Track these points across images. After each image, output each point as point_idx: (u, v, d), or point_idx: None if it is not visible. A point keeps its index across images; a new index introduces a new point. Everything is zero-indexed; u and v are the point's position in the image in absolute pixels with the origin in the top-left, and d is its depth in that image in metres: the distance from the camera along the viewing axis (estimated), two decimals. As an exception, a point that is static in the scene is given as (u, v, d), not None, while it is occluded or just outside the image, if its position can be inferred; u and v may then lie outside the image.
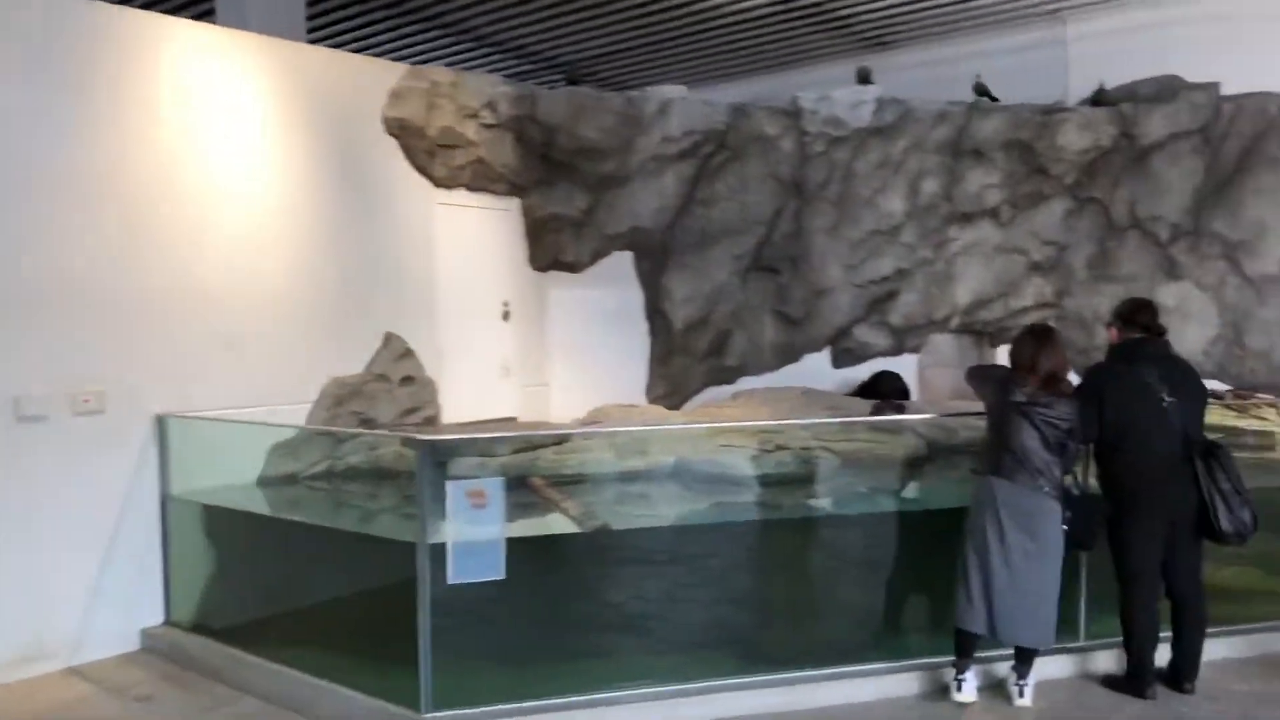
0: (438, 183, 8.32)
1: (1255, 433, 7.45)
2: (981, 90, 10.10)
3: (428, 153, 8.20)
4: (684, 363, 9.51)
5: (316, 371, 7.23)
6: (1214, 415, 6.53)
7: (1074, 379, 4.82)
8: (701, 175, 9.35)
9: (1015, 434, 4.65)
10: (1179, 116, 9.78)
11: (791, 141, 9.53)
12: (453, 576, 4.64)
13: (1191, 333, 9.90)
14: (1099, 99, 10.04)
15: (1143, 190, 9.93)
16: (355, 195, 7.60)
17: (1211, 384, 7.55)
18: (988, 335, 10.44)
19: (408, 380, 7.97)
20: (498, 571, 4.68)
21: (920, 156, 9.79)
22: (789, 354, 9.74)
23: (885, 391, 9.53)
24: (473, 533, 4.72)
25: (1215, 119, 9.80)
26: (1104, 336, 10.65)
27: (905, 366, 10.13)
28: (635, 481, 6.89)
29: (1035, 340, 4.91)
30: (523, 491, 6.29)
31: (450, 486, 4.71)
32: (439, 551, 4.60)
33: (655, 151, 9.14)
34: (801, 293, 9.70)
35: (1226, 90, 9.84)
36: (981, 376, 5.04)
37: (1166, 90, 9.93)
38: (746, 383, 9.58)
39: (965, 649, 4.76)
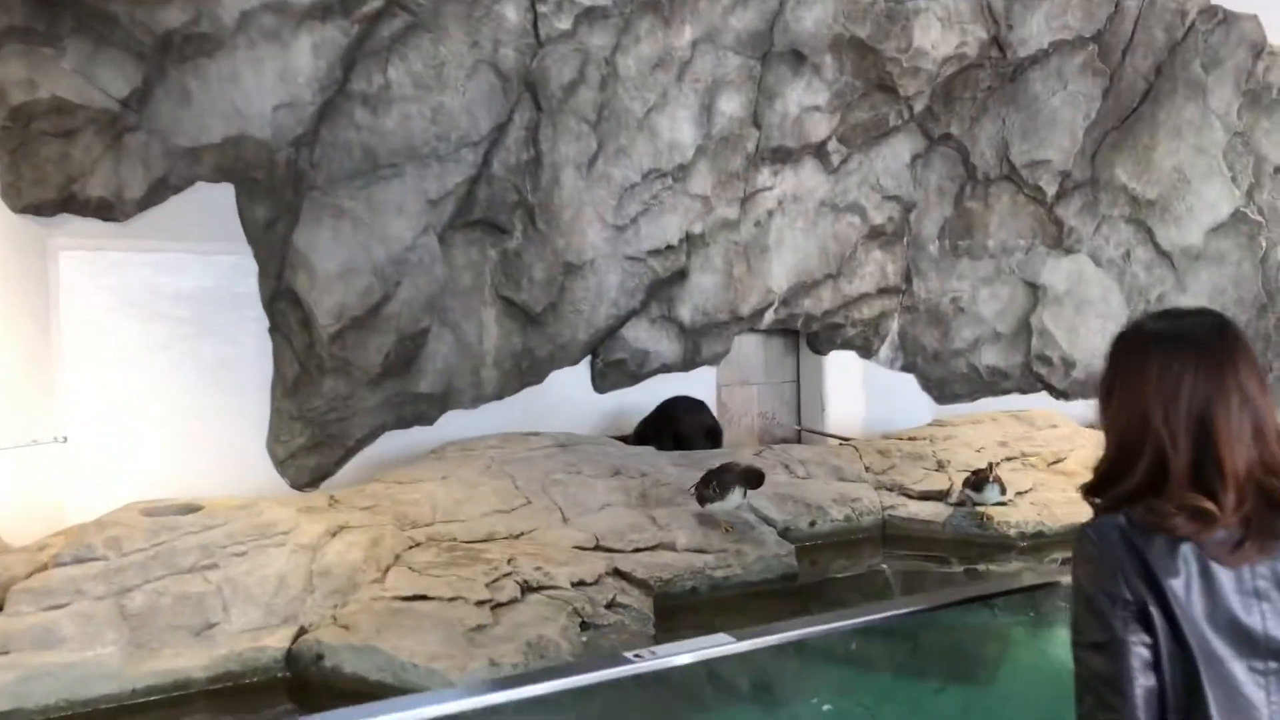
0: None
1: None
2: (800, -36, 6.71)
3: None
4: (338, 389, 5.27)
5: None
6: None
7: None
8: (362, 51, 5.19)
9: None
10: (1067, 16, 7.01)
11: (518, 10, 5.60)
12: None
13: (1090, 330, 7.10)
14: (959, -13, 7.00)
15: (1018, 125, 7.08)
16: None
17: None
18: (809, 337, 7.07)
19: None
20: None
21: (716, 55, 6.32)
22: (527, 370, 5.83)
23: (685, 432, 5.83)
24: None
25: (1116, 21, 7.06)
26: (968, 336, 7.30)
27: (702, 387, 6.51)
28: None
29: (1195, 364, 1.30)
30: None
31: None
32: None
33: (271, -4, 4.85)
34: (544, 268, 5.82)
35: (1129, -18, 7.27)
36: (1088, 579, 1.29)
37: (1047, -20, 7.12)
38: (456, 423, 5.50)
39: None
